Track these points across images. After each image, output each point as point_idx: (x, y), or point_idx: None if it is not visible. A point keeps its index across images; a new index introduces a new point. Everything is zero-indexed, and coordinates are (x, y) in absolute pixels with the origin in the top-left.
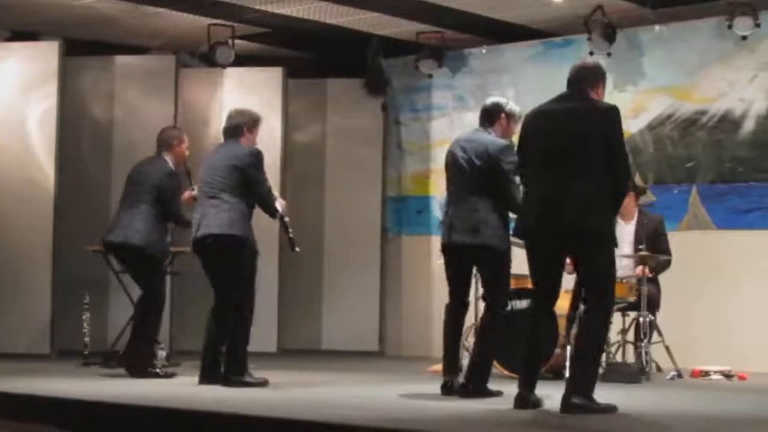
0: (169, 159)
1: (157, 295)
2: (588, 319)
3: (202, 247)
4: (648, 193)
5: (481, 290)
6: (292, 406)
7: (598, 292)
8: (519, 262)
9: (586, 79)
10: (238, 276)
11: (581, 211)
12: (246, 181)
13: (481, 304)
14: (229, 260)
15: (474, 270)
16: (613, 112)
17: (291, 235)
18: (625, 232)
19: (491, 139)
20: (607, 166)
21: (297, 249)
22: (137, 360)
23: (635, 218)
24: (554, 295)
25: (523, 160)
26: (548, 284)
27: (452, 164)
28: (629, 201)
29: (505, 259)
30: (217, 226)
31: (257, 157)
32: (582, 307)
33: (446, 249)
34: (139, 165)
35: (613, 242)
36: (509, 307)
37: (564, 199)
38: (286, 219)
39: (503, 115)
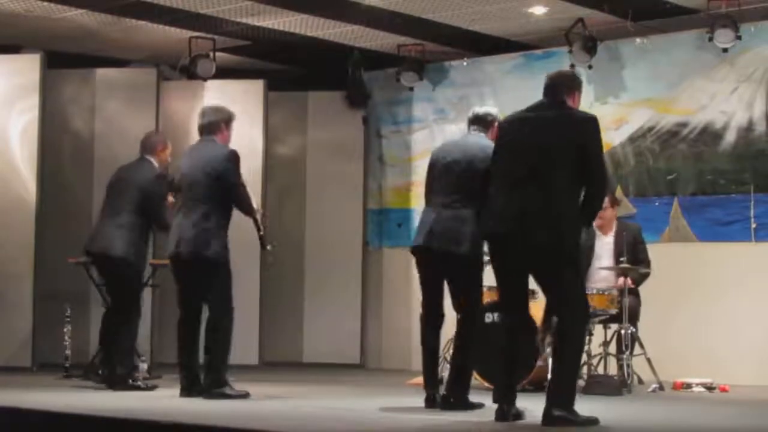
0: (154, 162)
1: (133, 307)
2: (564, 330)
3: (178, 263)
4: (628, 205)
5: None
6: (272, 418)
7: (569, 305)
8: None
9: (563, 86)
10: (213, 293)
11: (549, 224)
12: (224, 188)
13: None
14: (204, 279)
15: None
16: (591, 122)
17: (262, 233)
18: (604, 243)
19: (488, 142)
20: (583, 176)
21: (268, 247)
22: (117, 373)
23: (614, 230)
24: (520, 303)
25: (495, 167)
26: (512, 291)
27: (439, 167)
28: (609, 213)
29: (481, 268)
30: (193, 245)
31: (233, 161)
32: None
33: (422, 255)
34: (120, 170)
35: (578, 256)
36: (489, 319)
37: (533, 210)
38: (258, 216)
39: (496, 124)
